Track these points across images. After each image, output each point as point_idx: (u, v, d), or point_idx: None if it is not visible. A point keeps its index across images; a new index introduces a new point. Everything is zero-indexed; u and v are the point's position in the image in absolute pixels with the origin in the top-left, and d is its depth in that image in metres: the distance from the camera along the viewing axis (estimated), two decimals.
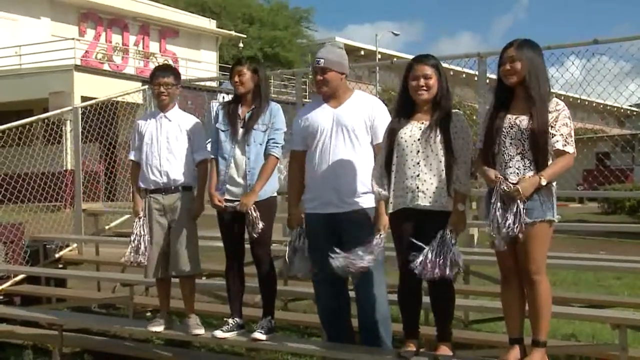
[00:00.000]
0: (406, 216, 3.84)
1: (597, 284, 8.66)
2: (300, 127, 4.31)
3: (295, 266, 4.26)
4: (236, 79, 4.46)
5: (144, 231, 4.66)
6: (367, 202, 4.15)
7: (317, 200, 4.22)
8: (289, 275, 4.36)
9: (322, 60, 4.18)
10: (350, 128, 4.16)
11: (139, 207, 4.73)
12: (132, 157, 4.84)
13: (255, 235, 4.39)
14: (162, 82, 4.70)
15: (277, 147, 4.46)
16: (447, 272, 3.71)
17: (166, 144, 4.68)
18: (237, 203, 4.43)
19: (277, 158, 4.47)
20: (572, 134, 3.59)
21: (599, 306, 5.61)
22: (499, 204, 3.48)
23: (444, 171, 3.78)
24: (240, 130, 4.45)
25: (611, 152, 16.77)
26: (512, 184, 3.51)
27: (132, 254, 4.65)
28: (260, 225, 4.36)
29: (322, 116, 4.22)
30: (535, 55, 3.61)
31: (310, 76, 12.22)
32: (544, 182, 3.49)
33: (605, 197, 17.18)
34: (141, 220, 4.69)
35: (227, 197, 4.48)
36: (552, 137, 3.52)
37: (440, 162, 3.78)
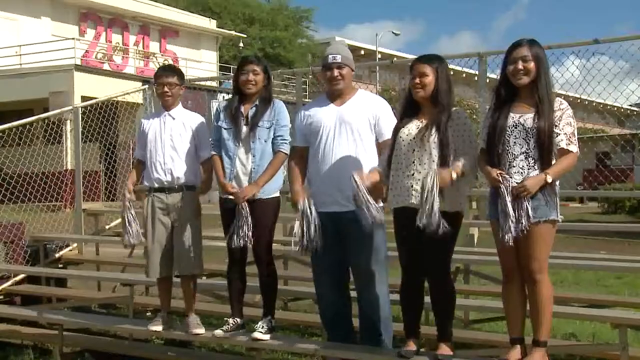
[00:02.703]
0: (405, 215, 3.84)
1: (598, 284, 8.66)
2: (303, 125, 4.30)
3: (311, 237, 4.09)
4: (250, 77, 4.43)
5: (131, 215, 4.70)
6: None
7: (320, 198, 4.21)
8: (306, 251, 4.15)
9: (338, 56, 4.17)
10: (354, 127, 4.15)
11: (131, 187, 4.75)
12: (136, 155, 4.84)
13: (245, 240, 4.33)
14: (166, 82, 4.71)
15: (286, 143, 4.45)
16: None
17: (170, 142, 4.68)
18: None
19: (286, 154, 4.46)
20: (575, 133, 3.60)
21: (599, 306, 5.61)
22: (506, 200, 3.47)
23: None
24: (244, 128, 4.43)
25: (611, 152, 16.75)
26: (517, 182, 3.51)
27: (127, 237, 4.69)
28: (248, 228, 4.31)
29: (325, 114, 4.21)
30: (543, 55, 3.64)
31: (310, 76, 12.24)
32: (549, 180, 3.50)
33: (605, 197, 17.17)
34: (128, 202, 4.72)
35: (231, 195, 4.48)
36: (557, 136, 3.53)
37: (434, 161, 3.77)
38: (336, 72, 4.17)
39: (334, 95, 4.26)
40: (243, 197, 4.34)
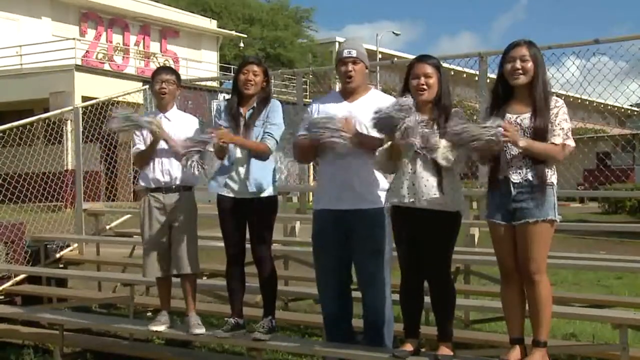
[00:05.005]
0: (404, 214, 3.84)
1: (598, 284, 8.65)
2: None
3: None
4: (250, 77, 4.43)
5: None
6: (379, 199, 4.13)
7: (328, 196, 4.18)
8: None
9: (354, 51, 4.13)
10: (365, 124, 4.12)
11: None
12: (135, 149, 4.80)
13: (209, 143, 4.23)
14: (164, 79, 4.73)
15: (271, 139, 4.42)
16: None
17: (166, 144, 4.68)
18: (238, 197, 4.43)
19: (268, 147, 4.41)
20: (570, 129, 3.61)
21: (599, 306, 5.61)
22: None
23: (440, 171, 3.77)
24: (242, 128, 4.43)
25: (612, 152, 16.77)
26: (514, 180, 3.50)
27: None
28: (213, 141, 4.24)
29: (336, 110, 4.14)
30: (541, 56, 3.64)
31: (310, 76, 12.22)
32: (521, 144, 3.46)
33: (605, 197, 17.15)
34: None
35: (227, 194, 4.48)
36: (552, 131, 3.53)
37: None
38: (350, 67, 4.13)
39: (347, 92, 4.23)
40: (222, 136, 4.28)
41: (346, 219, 4.12)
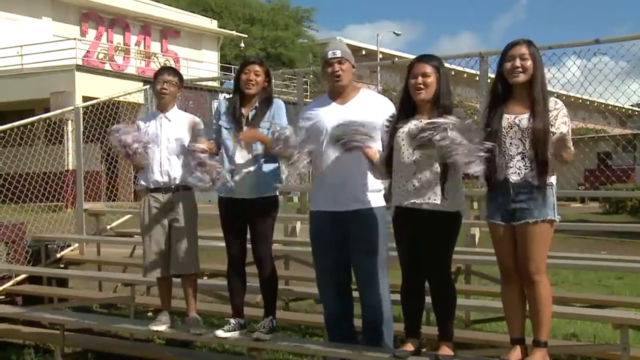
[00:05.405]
0: (405, 214, 3.84)
1: (599, 284, 8.65)
2: (305, 124, 4.25)
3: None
4: (251, 77, 4.43)
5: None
6: (374, 200, 4.15)
7: (323, 198, 4.20)
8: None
9: (338, 52, 4.16)
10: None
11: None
12: None
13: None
14: (166, 79, 4.73)
15: None
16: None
17: (167, 144, 4.69)
18: (239, 197, 4.44)
19: None
20: (570, 132, 3.60)
21: (600, 306, 5.60)
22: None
23: (440, 171, 3.77)
24: (245, 129, 4.42)
25: (613, 152, 16.77)
26: (513, 181, 3.49)
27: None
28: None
29: (328, 113, 4.18)
30: (539, 56, 3.65)
31: (311, 76, 12.22)
32: (571, 147, 3.48)
33: (606, 197, 17.14)
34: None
35: (228, 194, 4.48)
36: (553, 135, 3.52)
37: (436, 161, 3.77)
38: (337, 67, 4.15)
39: (336, 92, 4.24)
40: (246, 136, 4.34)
41: (343, 220, 4.13)
